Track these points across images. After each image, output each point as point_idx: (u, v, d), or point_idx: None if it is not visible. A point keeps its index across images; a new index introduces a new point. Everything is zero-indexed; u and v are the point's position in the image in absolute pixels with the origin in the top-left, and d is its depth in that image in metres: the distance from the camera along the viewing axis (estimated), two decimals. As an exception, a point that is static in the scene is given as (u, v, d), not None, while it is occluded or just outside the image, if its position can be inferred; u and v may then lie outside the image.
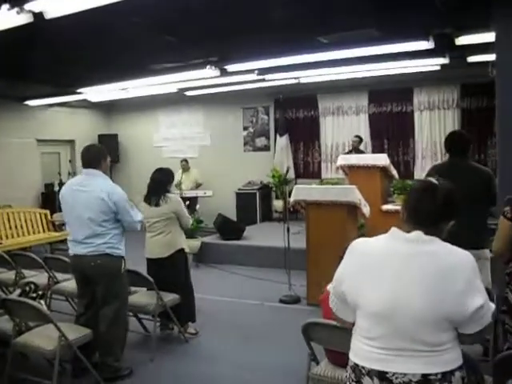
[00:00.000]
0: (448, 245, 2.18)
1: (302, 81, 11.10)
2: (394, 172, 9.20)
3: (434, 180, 2.27)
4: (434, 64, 9.46)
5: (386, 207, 8.54)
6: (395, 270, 2.15)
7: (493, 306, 2.17)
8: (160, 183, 5.94)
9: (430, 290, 2.08)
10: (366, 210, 6.91)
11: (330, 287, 2.44)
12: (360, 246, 2.31)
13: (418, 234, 2.19)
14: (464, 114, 11.33)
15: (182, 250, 5.95)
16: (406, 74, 10.25)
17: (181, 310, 5.90)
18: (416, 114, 11.81)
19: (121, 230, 4.88)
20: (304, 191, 7.22)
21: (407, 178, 10.84)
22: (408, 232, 2.21)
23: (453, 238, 4.95)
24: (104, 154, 4.86)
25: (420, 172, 11.59)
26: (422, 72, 10.24)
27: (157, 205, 5.85)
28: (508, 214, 3.48)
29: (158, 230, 5.89)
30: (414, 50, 7.66)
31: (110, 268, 4.80)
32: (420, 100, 11.76)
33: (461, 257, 2.15)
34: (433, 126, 11.69)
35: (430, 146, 11.71)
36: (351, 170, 9.22)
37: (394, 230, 2.26)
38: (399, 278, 2.13)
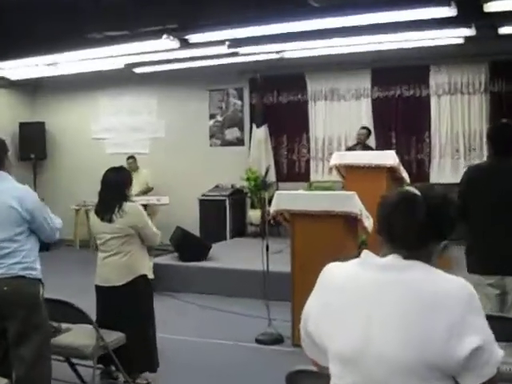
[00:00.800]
0: (434, 271, 2.16)
1: (287, 56, 11.16)
2: (405, 174, 9.28)
3: (412, 189, 2.23)
4: (456, 36, 9.58)
5: (393, 219, 8.61)
6: (366, 304, 2.14)
7: (500, 351, 2.11)
8: (115, 188, 5.83)
9: (408, 330, 2.05)
10: (368, 222, 6.96)
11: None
12: (329, 274, 2.32)
13: (394, 258, 2.17)
14: (494, 100, 11.53)
15: (143, 277, 5.92)
16: (421, 48, 10.36)
17: (136, 355, 5.87)
18: (433, 100, 11.99)
19: (36, 244, 4.87)
20: (288, 198, 7.23)
21: (421, 181, 10.93)
22: (383, 256, 2.20)
23: (484, 263, 5.03)
24: (4, 149, 4.86)
25: (437, 174, 11.75)
26: (441, 46, 10.35)
27: (110, 219, 5.79)
28: None
29: (114, 250, 5.84)
30: (430, 17, 7.76)
31: (27, 294, 4.77)
32: (438, 82, 11.93)
33: (451, 286, 2.11)
34: (454, 115, 11.87)
35: (451, 140, 11.87)
36: (349, 172, 9.30)
37: (365, 253, 2.25)
38: (371, 315, 2.12)
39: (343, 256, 2.46)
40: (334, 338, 2.19)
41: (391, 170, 9.07)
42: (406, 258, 2.15)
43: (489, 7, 7.39)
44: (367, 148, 11.28)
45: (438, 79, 11.92)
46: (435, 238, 2.21)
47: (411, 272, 2.13)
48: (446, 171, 11.79)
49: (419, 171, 11.94)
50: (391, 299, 2.11)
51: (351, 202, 6.87)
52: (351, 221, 6.94)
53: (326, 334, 2.23)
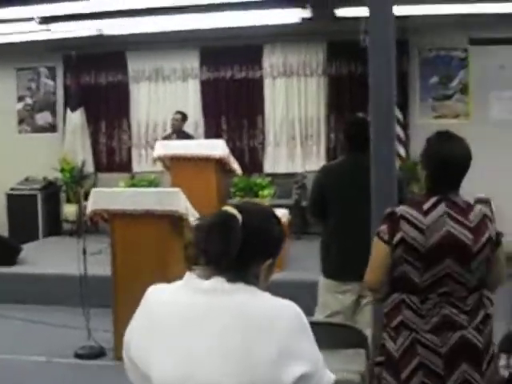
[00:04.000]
0: (260, 294, 2.25)
1: (106, 32, 11.13)
2: (236, 165, 9.46)
3: (231, 210, 2.31)
4: (291, 16, 9.91)
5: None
6: (190, 330, 2.21)
7: (331, 376, 2.26)
8: None
9: (233, 357, 2.13)
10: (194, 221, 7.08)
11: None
12: (152, 297, 2.37)
13: (217, 282, 2.24)
14: (332, 83, 12.00)
15: None
16: (254, 27, 10.58)
17: None
18: (267, 82, 12.28)
19: None
20: (106, 197, 7.21)
21: (254, 172, 11.28)
22: (207, 278, 2.27)
23: (341, 266, 5.24)
24: None
25: (273, 164, 12.03)
26: (276, 26, 10.62)
27: None
28: (385, 236, 3.66)
29: None
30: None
31: None
32: (273, 63, 12.20)
33: (278, 310, 2.21)
34: (290, 98, 12.20)
35: (286, 127, 12.19)
36: (174, 164, 9.41)
37: (188, 275, 2.32)
38: (194, 342, 2.18)
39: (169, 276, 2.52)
40: (157, 365, 2.23)
41: (220, 162, 9.21)
42: (229, 280, 2.22)
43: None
44: (184, 136, 11.29)
45: (272, 60, 12.17)
46: (259, 257, 2.30)
47: (235, 296, 2.21)
48: (281, 160, 12.10)
49: (252, 160, 12.16)
50: (215, 325, 2.18)
51: (176, 200, 6.92)
52: (177, 220, 6.98)
53: (148, 361, 2.27)
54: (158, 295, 2.37)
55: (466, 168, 3.71)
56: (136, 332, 2.36)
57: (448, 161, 3.65)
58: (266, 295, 2.25)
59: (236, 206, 2.35)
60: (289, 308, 2.23)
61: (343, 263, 5.26)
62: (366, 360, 4.08)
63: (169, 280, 2.41)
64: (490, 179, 10.03)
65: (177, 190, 7.12)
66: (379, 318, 4.13)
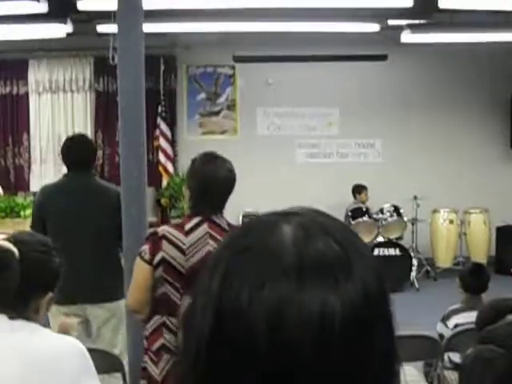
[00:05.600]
0: (41, 330, 2.25)
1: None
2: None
3: (5, 244, 2.24)
4: (55, 30, 9.75)
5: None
6: None
7: None
8: None
9: None
10: None
11: None
12: None
13: None
14: (99, 99, 11.98)
15: None
16: (19, 41, 10.23)
17: None
18: (32, 98, 12.00)
19: None
20: None
21: (20, 191, 11.03)
22: None
23: (73, 292, 5.11)
24: None
25: (38, 182, 11.75)
26: (41, 40, 10.39)
27: None
28: (146, 255, 3.65)
29: None
30: (20, 13, 7.86)
31: None
32: (39, 78, 11.95)
33: (61, 347, 2.21)
34: (56, 115, 12.02)
35: (53, 144, 11.93)
36: None
37: None
38: None
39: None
40: None
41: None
42: (10, 317, 2.18)
43: (84, 5, 7.74)
44: None
45: (38, 75, 11.92)
46: (39, 291, 2.29)
47: (16, 334, 2.17)
48: (48, 179, 11.56)
49: (18, 179, 11.89)
50: None
51: None
52: None
53: None
54: None
55: (229, 190, 3.79)
56: None
57: (210, 182, 3.69)
58: (48, 332, 2.26)
59: (12, 238, 2.29)
60: (73, 346, 2.22)
61: (64, 290, 5.11)
62: (124, 384, 4.09)
63: None
64: (258, 194, 10.45)
65: None
66: (136, 341, 4.14)
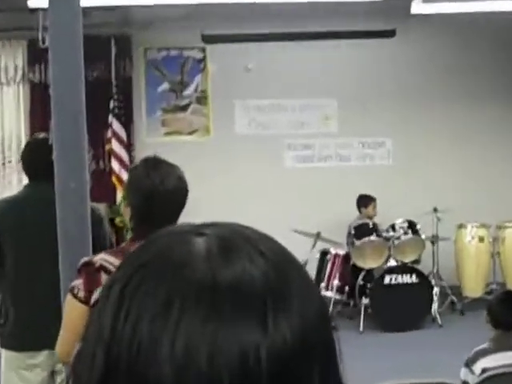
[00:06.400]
0: None
1: None
2: None
3: None
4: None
5: None
6: None
7: None
8: None
9: None
10: None
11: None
12: None
13: None
14: (35, 92, 12.04)
15: None
16: None
17: None
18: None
19: None
20: None
21: None
22: None
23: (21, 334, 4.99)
24: None
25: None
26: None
27: None
28: (80, 293, 3.55)
29: None
30: None
31: None
32: None
33: None
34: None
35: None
36: None
37: None
38: None
39: None
40: None
41: None
42: None
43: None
44: None
45: None
46: None
47: None
48: None
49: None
50: None
51: None
52: None
53: None
54: None
55: (181, 203, 3.70)
56: None
57: (155, 196, 3.58)
58: None
59: None
60: None
61: (23, 329, 5.03)
62: None
63: None
64: (236, 208, 10.30)
65: None
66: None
